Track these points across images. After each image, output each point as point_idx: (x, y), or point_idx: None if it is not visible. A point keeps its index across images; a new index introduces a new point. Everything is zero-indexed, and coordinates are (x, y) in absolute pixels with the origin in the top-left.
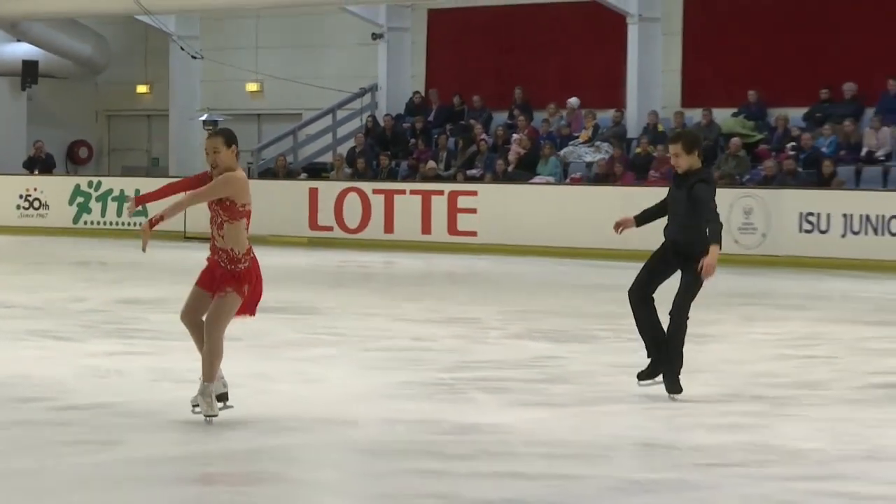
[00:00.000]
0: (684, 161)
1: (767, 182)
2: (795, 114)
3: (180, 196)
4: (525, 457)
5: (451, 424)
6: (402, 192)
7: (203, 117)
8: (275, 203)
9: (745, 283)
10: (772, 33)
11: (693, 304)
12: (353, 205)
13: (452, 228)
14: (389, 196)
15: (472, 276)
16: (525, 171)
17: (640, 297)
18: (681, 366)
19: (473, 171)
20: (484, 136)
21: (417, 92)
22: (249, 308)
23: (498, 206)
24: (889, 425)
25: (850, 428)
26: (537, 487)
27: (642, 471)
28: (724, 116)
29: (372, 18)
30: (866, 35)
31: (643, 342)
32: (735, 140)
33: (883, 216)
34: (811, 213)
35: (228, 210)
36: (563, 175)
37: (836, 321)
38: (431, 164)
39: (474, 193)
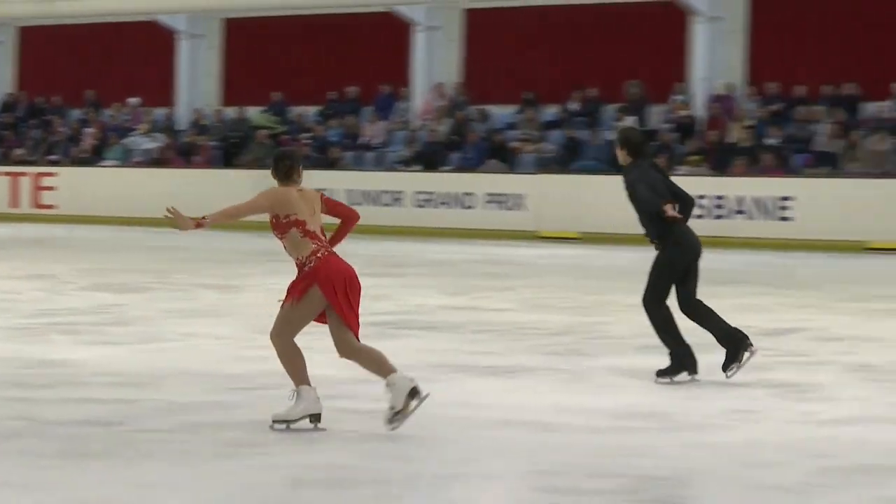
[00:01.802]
0: (620, 156)
1: None
2: (311, 111)
3: (231, 207)
4: (93, 385)
5: (35, 360)
6: None
7: None
8: None
9: (271, 243)
10: (292, 47)
11: (240, 261)
12: None
13: (37, 202)
14: None
15: (52, 240)
16: (96, 156)
17: (685, 310)
18: (675, 354)
19: (54, 156)
20: (63, 128)
21: (10, 93)
22: (338, 304)
23: (74, 183)
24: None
25: None
26: (102, 409)
27: (186, 395)
28: (254, 113)
29: None
30: (378, 50)
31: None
32: (262, 132)
33: (377, 190)
34: (319, 189)
35: (276, 226)
36: (127, 159)
37: None
38: (19, 150)
39: (55, 174)
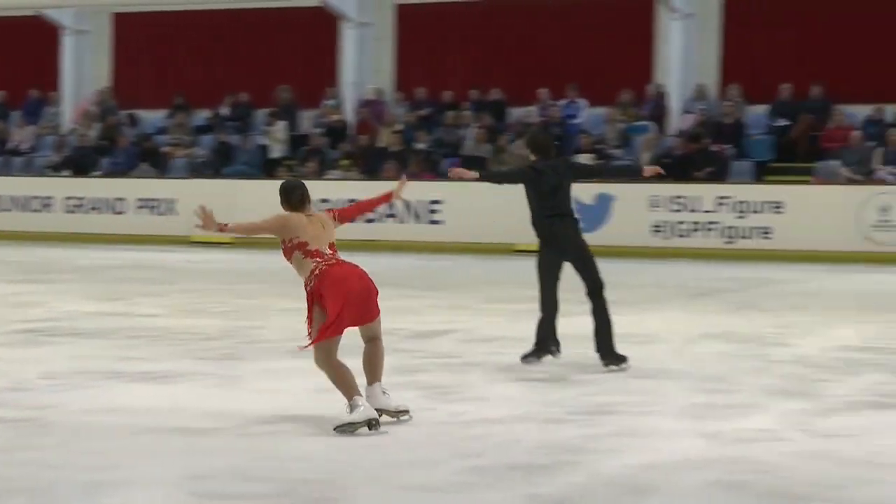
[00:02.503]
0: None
1: None
2: None
3: (247, 222)
4: None
5: None
6: None
7: None
8: None
9: None
10: None
11: None
12: None
13: None
14: None
15: None
16: None
17: (589, 295)
18: (539, 339)
19: None
20: None
21: None
22: (342, 317)
23: None
24: (30, 362)
25: None
26: None
27: None
28: None
29: None
30: (27, 54)
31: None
32: None
33: (26, 196)
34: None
35: (285, 252)
36: None
37: None
38: None
39: None
